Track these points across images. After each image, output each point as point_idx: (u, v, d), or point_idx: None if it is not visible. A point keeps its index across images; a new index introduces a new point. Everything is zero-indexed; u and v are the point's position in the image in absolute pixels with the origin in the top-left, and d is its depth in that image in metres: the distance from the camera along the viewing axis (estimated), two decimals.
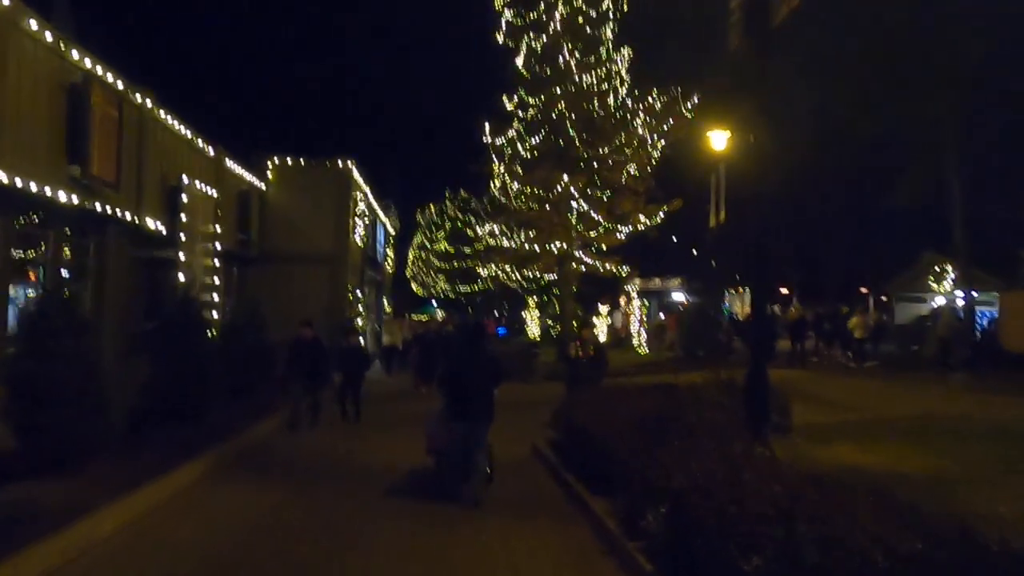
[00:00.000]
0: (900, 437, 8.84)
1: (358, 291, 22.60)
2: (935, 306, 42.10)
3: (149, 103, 11.76)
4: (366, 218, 22.08)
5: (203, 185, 13.82)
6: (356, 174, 20.43)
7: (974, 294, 31.63)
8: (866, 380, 17.32)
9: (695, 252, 57.78)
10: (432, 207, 59.42)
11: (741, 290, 46.88)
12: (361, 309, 23.01)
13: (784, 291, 46.99)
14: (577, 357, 12.61)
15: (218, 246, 14.55)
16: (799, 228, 40.22)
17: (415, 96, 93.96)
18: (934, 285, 39.73)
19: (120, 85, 10.72)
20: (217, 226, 14.56)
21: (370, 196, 23.62)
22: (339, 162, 19.59)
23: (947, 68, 26.53)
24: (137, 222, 11.36)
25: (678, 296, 47.58)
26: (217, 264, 14.57)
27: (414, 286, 62.30)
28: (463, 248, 52.06)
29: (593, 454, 7.65)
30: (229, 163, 15.87)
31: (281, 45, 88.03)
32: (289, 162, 19.39)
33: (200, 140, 14.14)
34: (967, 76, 26.57)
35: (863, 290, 49.36)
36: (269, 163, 19.17)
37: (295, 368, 12.51)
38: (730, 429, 7.01)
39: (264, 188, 18.94)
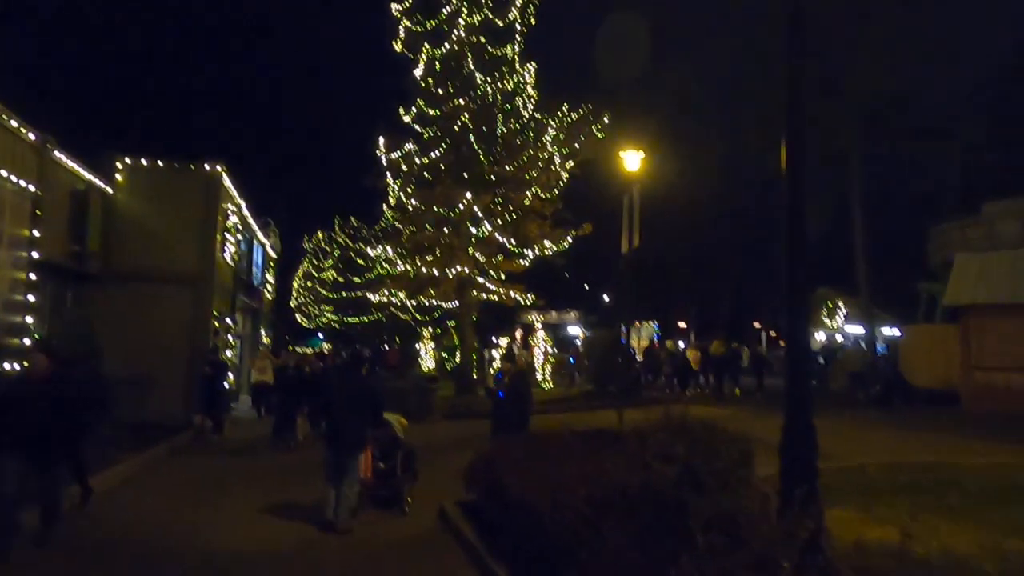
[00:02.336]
0: (908, 496, 7.11)
1: (228, 319, 19.53)
2: (825, 341, 42.87)
3: None
4: (239, 235, 19.15)
5: (14, 176, 10.80)
6: (227, 182, 17.55)
7: (892, 330, 31.86)
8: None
9: (587, 287, 57.25)
10: (320, 234, 56.00)
11: (639, 323, 46.32)
12: (231, 339, 19.90)
13: (682, 325, 46.68)
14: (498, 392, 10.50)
15: (35, 255, 11.47)
16: (696, 262, 39.99)
17: (304, 114, 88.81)
18: (826, 320, 40.34)
19: None
20: (35, 231, 11.50)
21: (245, 210, 20.68)
22: (206, 167, 16.68)
23: (850, 102, 26.59)
24: None
25: (574, 329, 46.44)
26: (34, 278, 11.47)
27: (299, 317, 58.39)
28: (352, 277, 49.03)
29: (535, 536, 5.43)
30: (58, 155, 12.78)
31: (157, 46, 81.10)
32: (144, 163, 16.30)
33: (14, 120, 11.10)
34: (870, 111, 26.72)
35: (756, 324, 49.90)
36: (118, 163, 16.04)
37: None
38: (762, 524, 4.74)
39: (111, 192, 15.79)
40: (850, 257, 29.78)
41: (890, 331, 36.56)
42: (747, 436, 8.63)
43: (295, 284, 57.09)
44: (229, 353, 19.51)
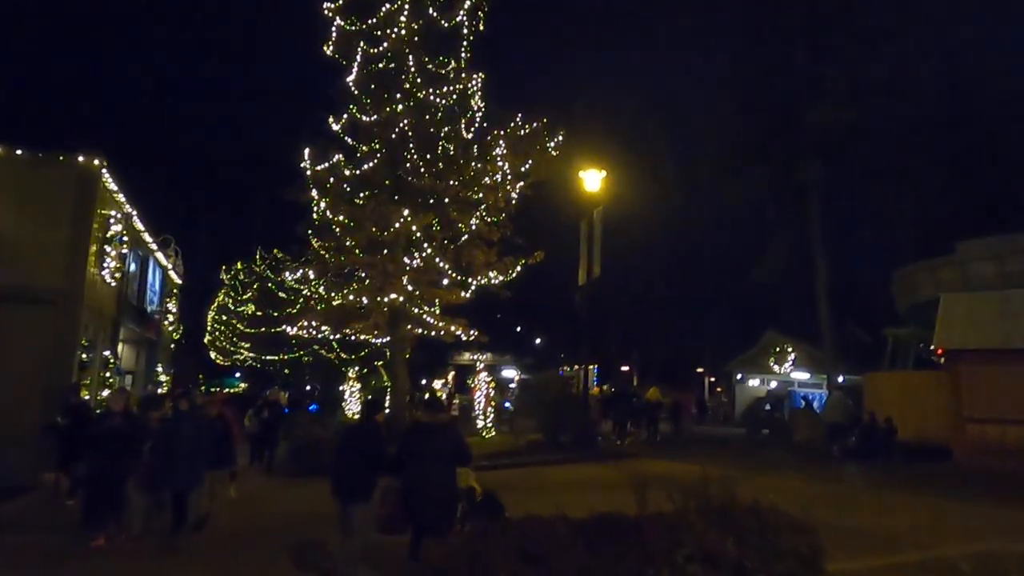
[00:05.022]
0: None
1: (107, 352, 16.05)
2: (772, 387, 41.36)
3: None
4: (125, 248, 15.80)
5: None
6: (110, 181, 14.32)
7: (840, 378, 30.10)
8: (798, 482, 13.53)
9: (519, 329, 54.81)
10: (240, 264, 51.84)
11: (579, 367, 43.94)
12: (110, 375, 16.35)
13: (625, 368, 44.50)
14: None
15: None
16: (647, 300, 38.01)
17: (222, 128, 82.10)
18: (774, 366, 38.76)
19: None
20: None
21: (137, 220, 17.36)
22: (80, 159, 13.44)
23: (811, 138, 25.25)
24: None
25: (509, 372, 43.69)
26: None
27: (213, 354, 53.71)
28: (273, 312, 45.14)
29: None
30: None
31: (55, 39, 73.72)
32: None
33: None
34: (832, 146, 25.42)
35: (699, 370, 48.20)
36: None
37: None
38: None
39: None
40: (808, 297, 28.19)
41: (840, 379, 35.26)
42: (809, 522, 6.05)
43: (210, 318, 52.56)
44: (106, 393, 15.97)
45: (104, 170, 13.87)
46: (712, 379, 49.44)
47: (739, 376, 42.10)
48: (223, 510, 9.80)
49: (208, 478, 9.20)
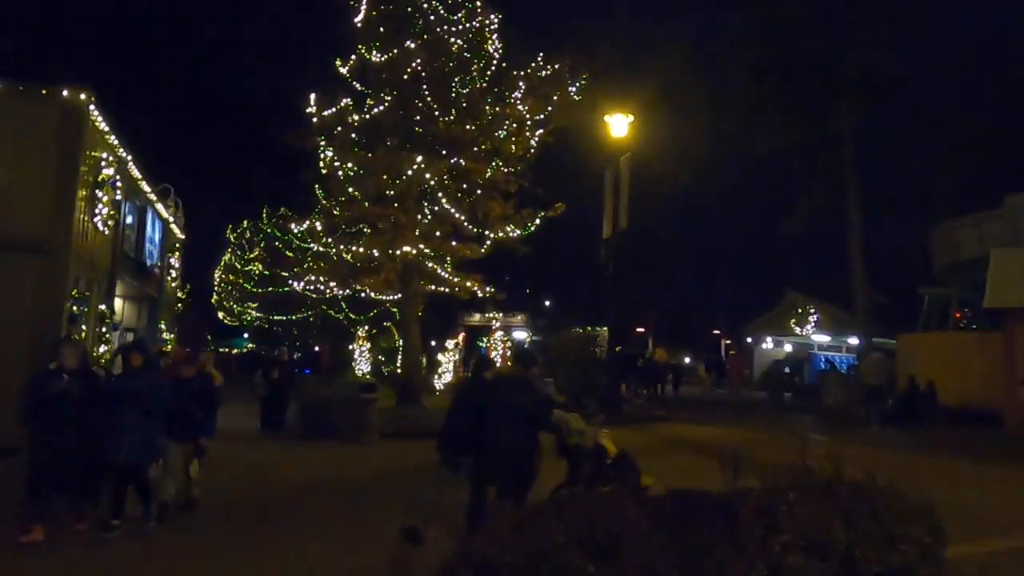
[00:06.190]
0: None
1: (103, 306, 15.03)
2: (790, 349, 40.23)
3: None
4: (119, 194, 14.65)
5: None
6: (99, 119, 13.15)
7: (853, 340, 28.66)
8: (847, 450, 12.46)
9: (528, 291, 53.65)
10: (246, 223, 50.74)
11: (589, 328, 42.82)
12: (107, 331, 15.36)
13: (641, 330, 43.42)
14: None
15: None
16: (664, 261, 36.75)
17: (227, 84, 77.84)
18: (795, 327, 37.60)
19: None
20: None
21: (134, 167, 16.22)
22: (64, 92, 12.24)
23: (849, 81, 23.76)
24: None
25: (520, 334, 42.68)
26: None
27: (221, 314, 52.92)
28: (281, 272, 44.16)
29: None
30: None
31: None
32: None
33: None
34: (870, 90, 23.93)
35: (715, 332, 47.21)
36: None
37: None
38: None
39: None
40: (836, 255, 26.97)
41: (857, 341, 34.09)
42: (929, 501, 4.95)
43: (216, 277, 51.66)
44: (103, 348, 15.02)
45: (92, 106, 12.66)
46: (727, 342, 48.40)
47: (749, 339, 41.09)
48: (230, 482, 8.78)
49: (179, 451, 7.78)
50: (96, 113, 13.00)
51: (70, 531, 6.83)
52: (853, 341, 34.77)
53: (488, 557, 3.86)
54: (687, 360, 46.41)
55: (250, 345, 56.80)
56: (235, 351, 53.86)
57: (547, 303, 56.54)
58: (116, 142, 14.52)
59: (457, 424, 6.74)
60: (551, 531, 3.97)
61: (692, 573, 4.06)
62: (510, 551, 3.84)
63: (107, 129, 13.82)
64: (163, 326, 22.57)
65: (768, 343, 40.47)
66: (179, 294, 29.02)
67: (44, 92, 12.12)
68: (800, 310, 36.81)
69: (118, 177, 14.55)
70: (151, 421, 7.08)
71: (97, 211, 13.74)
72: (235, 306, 51.46)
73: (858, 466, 4.65)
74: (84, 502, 7.18)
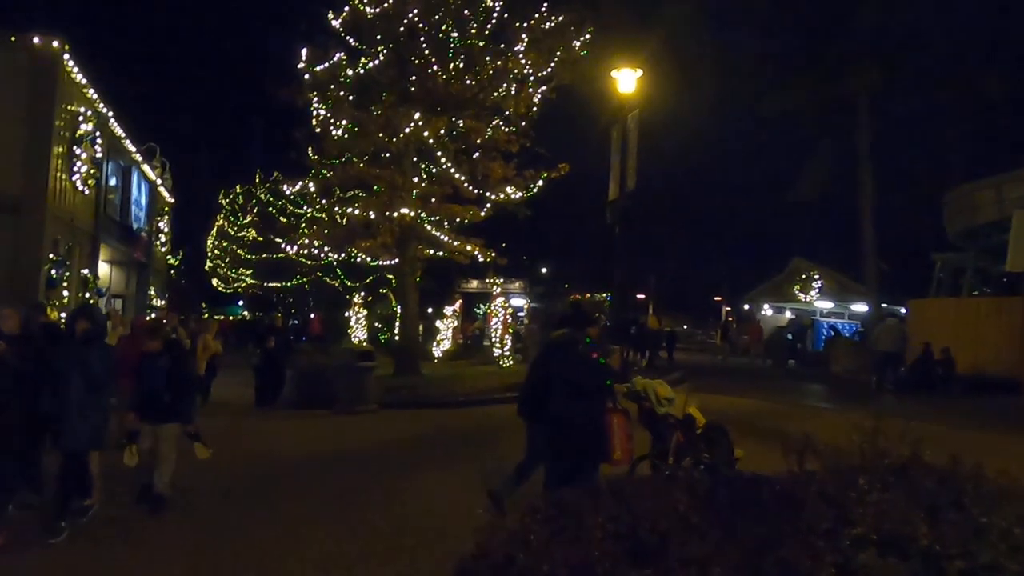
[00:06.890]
0: None
1: (86, 271, 14.31)
2: (791, 316, 39.67)
3: None
4: (99, 151, 13.84)
5: None
6: (75, 69, 12.29)
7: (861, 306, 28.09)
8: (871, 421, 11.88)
9: (524, 258, 52.88)
10: (239, 188, 49.68)
11: (588, 295, 42.17)
12: (90, 296, 14.65)
13: (641, 297, 42.81)
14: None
15: None
16: (668, 225, 36.01)
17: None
18: (799, 293, 36.99)
19: None
20: None
21: (116, 125, 15.37)
22: (35, 40, 11.38)
23: (863, 43, 22.84)
24: None
25: (518, 301, 42.10)
26: None
27: (216, 281, 52.12)
28: (275, 238, 43.27)
29: None
30: None
31: None
32: None
33: None
34: (885, 52, 23.03)
35: (717, 299, 46.66)
36: None
37: None
38: None
39: None
40: (846, 223, 26.27)
41: (860, 307, 33.49)
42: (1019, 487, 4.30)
43: (209, 243, 50.75)
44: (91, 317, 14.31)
45: (67, 55, 11.81)
46: (728, 309, 47.90)
47: (747, 306, 40.55)
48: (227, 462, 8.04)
49: (149, 433, 6.60)
50: (72, 64, 12.16)
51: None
52: (857, 308, 34.21)
53: (508, 557, 3.22)
54: (684, 327, 45.99)
55: (244, 313, 56.01)
56: (231, 318, 53.16)
57: (543, 270, 55.86)
58: (95, 96, 13.69)
59: (530, 386, 6.32)
60: (587, 527, 3.33)
61: (750, 574, 3.43)
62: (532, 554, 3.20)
63: (85, 82, 12.98)
64: (153, 292, 21.89)
65: (767, 310, 39.95)
66: (170, 260, 28.25)
67: (13, 39, 11.27)
68: (804, 276, 36.17)
69: (98, 133, 13.73)
70: (96, 399, 5.98)
71: (76, 169, 12.96)
72: (229, 273, 50.67)
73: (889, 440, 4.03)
74: (26, 494, 6.13)
